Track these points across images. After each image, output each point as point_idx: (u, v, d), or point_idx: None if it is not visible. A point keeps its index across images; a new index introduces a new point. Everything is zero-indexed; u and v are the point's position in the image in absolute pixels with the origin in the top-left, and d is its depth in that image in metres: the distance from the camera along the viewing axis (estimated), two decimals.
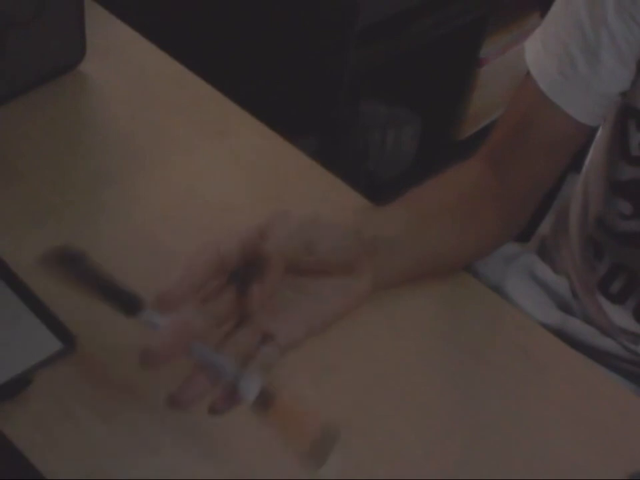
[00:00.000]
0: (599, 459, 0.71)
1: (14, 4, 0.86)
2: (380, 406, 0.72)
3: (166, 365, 0.61)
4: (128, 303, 0.63)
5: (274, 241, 0.65)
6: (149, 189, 0.86)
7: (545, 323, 0.89)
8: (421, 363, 0.76)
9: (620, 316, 0.91)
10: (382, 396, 0.73)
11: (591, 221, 0.92)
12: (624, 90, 0.81)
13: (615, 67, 0.78)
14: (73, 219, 0.82)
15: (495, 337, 0.79)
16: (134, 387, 0.70)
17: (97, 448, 0.66)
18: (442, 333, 0.78)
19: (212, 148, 0.91)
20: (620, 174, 0.86)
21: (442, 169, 0.85)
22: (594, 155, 0.93)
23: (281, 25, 1.60)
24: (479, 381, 0.75)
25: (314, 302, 0.68)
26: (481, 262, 1.02)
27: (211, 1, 1.65)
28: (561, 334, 0.86)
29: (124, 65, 0.98)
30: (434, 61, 1.86)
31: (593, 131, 0.85)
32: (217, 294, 0.65)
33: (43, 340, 0.70)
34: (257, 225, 0.67)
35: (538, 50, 0.82)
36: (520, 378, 0.76)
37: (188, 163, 0.89)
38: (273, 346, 0.64)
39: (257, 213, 0.85)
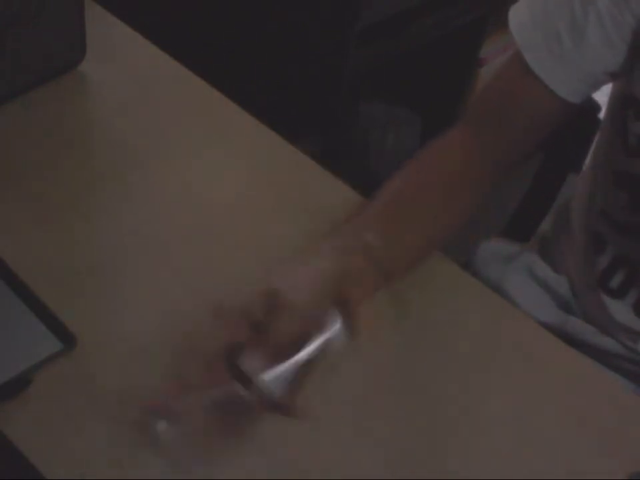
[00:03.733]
0: (599, 459, 0.71)
1: (14, 4, 0.86)
2: (381, 404, 0.72)
3: None
4: None
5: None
6: (148, 189, 0.86)
7: (545, 322, 0.89)
8: (421, 363, 0.76)
9: (620, 312, 0.90)
10: (382, 394, 0.73)
11: (594, 213, 0.92)
12: (610, 70, 0.81)
13: (600, 47, 0.79)
14: (72, 219, 0.82)
15: (495, 336, 0.79)
16: (134, 387, 0.70)
17: (97, 448, 0.66)
18: (442, 332, 0.78)
19: (212, 148, 0.91)
20: (619, 164, 0.86)
21: None
22: (598, 147, 0.93)
23: (280, 25, 1.60)
24: (479, 381, 0.75)
25: None
26: (481, 262, 1.02)
27: (211, 0, 1.65)
28: (561, 333, 0.86)
29: (124, 65, 0.98)
30: (434, 61, 1.86)
31: (574, 108, 0.85)
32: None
33: (43, 340, 0.70)
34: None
35: (525, 21, 0.83)
36: (520, 378, 0.76)
37: (188, 163, 0.89)
38: None
39: (257, 212, 0.85)
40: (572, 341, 0.87)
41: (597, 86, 0.84)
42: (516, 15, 0.84)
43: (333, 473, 0.67)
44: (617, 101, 0.86)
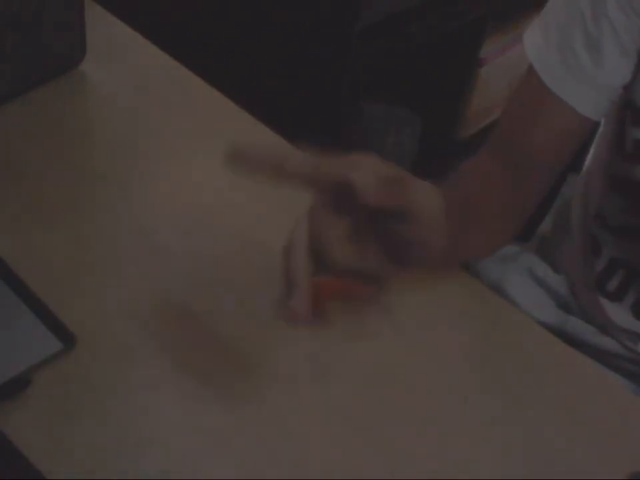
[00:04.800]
0: (599, 459, 0.71)
1: (14, 4, 0.86)
2: (380, 405, 0.72)
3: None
4: None
5: None
6: (148, 189, 0.86)
7: (545, 322, 0.89)
8: (421, 363, 0.76)
9: (618, 314, 0.91)
10: (382, 394, 0.73)
11: (590, 217, 0.92)
12: (626, 82, 0.81)
13: (617, 58, 0.78)
14: (72, 219, 0.82)
15: (495, 336, 0.79)
16: (134, 387, 0.70)
17: (97, 448, 0.66)
18: (442, 332, 0.78)
19: (212, 148, 0.91)
20: (616, 168, 0.86)
21: (442, 169, 0.85)
22: (596, 150, 0.93)
23: (281, 25, 1.60)
24: (479, 381, 0.75)
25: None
26: (481, 262, 1.02)
27: (211, 1, 1.65)
28: (560, 333, 0.86)
29: (124, 65, 0.98)
30: (434, 61, 1.86)
31: (596, 125, 0.85)
32: None
33: (43, 340, 0.70)
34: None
35: (539, 42, 0.82)
36: (520, 378, 0.76)
37: (188, 163, 0.89)
38: None
39: (257, 212, 0.85)
40: (572, 341, 0.87)
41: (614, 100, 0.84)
42: (530, 38, 0.83)
43: (332, 473, 0.67)
44: (617, 104, 0.86)
